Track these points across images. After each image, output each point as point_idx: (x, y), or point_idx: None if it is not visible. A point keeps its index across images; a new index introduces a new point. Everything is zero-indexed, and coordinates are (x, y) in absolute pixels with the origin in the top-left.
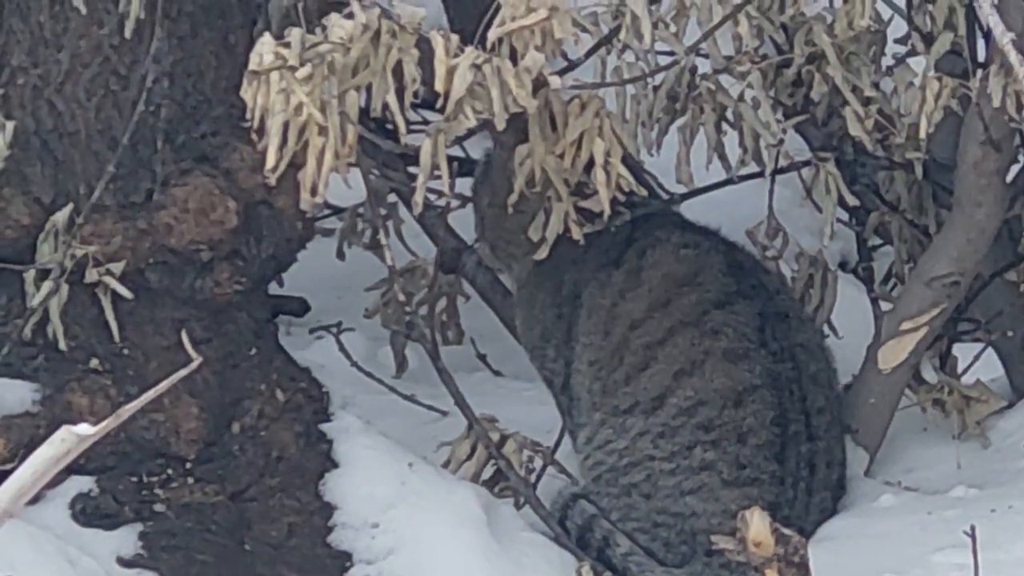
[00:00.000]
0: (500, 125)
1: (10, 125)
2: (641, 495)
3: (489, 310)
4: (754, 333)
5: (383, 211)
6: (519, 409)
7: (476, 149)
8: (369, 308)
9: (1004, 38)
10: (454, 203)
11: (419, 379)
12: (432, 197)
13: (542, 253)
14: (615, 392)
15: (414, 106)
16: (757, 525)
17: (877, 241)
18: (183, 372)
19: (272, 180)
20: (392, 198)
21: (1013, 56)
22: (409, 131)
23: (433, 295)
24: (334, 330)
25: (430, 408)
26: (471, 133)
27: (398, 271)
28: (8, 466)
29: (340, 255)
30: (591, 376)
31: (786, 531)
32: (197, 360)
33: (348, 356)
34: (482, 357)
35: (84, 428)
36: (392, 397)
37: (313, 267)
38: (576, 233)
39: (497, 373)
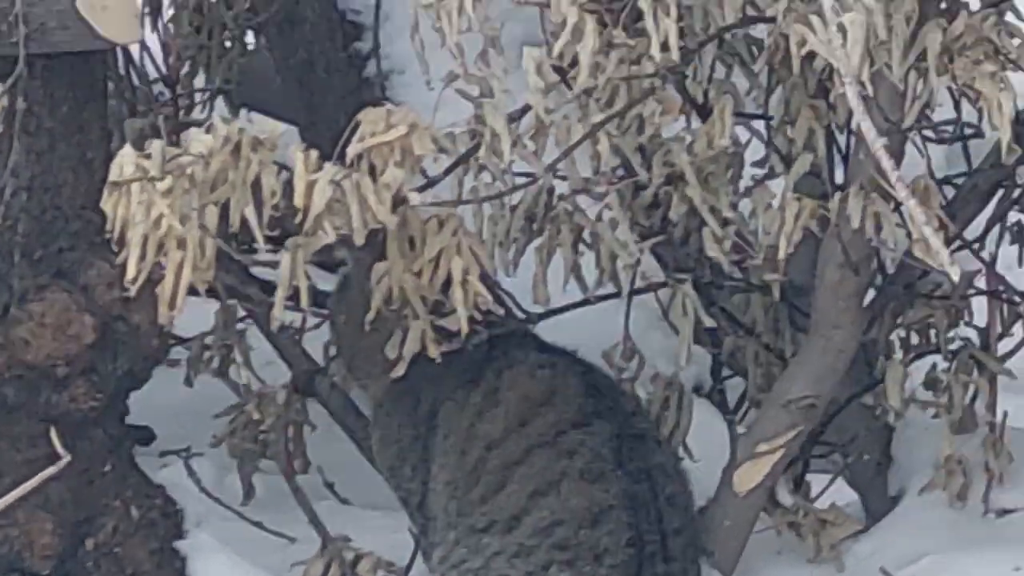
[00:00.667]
0: (359, 241)
1: None
2: None
3: (336, 439)
4: (611, 454)
5: (232, 337)
6: (369, 536)
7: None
8: (217, 435)
9: (877, 143)
10: (309, 323)
11: (266, 506)
12: (287, 318)
13: (399, 371)
14: (471, 512)
15: (272, 222)
16: None
17: (728, 372)
18: (52, 470)
19: (133, 291)
20: (241, 326)
21: (886, 162)
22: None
23: (284, 420)
24: (183, 455)
25: (278, 535)
26: (329, 248)
27: (251, 394)
28: None
29: (188, 382)
30: (447, 495)
31: None
32: (67, 457)
33: (197, 481)
34: (330, 486)
35: None
36: (240, 523)
37: (158, 397)
38: (433, 351)
39: (345, 501)
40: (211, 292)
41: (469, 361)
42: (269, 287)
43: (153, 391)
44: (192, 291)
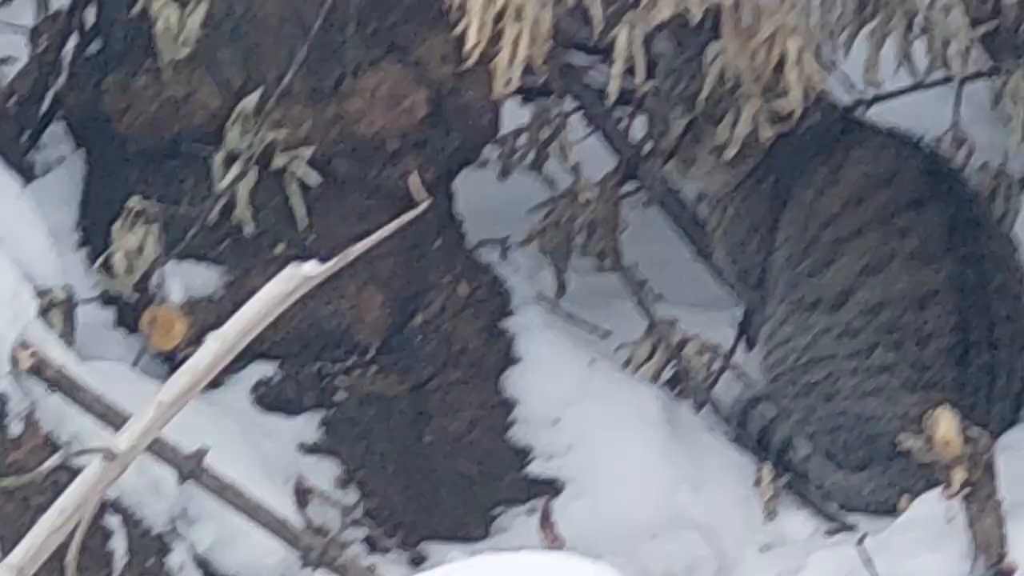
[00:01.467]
0: (695, 18)
1: (202, 7)
2: (821, 395)
3: (648, 238)
4: (943, 237)
5: (553, 127)
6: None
7: None
8: (530, 230)
9: None
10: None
11: (578, 303)
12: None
13: (730, 153)
14: (802, 286)
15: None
16: (945, 424)
17: None
18: (413, 213)
19: (470, 62)
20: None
21: None
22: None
23: (598, 214)
24: (502, 244)
25: (594, 327)
26: (663, 26)
27: (574, 185)
28: (191, 349)
29: (505, 173)
30: (783, 269)
31: (974, 431)
32: (427, 200)
33: (515, 269)
34: (643, 282)
35: (311, 267)
36: (553, 316)
37: (469, 195)
38: (766, 133)
39: (659, 297)
40: (528, 90)
41: (823, 137)
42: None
43: (463, 189)
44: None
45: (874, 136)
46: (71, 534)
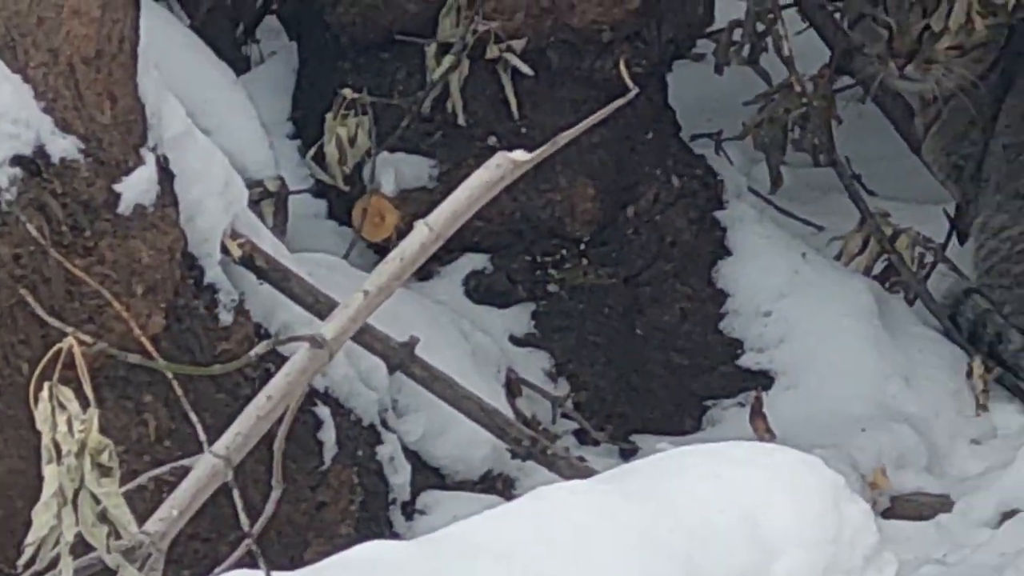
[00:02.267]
0: None
1: None
2: None
3: (862, 134)
4: None
5: (762, 26)
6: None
7: None
8: (745, 124)
9: None
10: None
11: (792, 197)
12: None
13: (945, 43)
14: (1018, 174)
15: None
16: None
17: None
18: (621, 101)
19: None
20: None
21: None
22: None
23: (813, 109)
24: (716, 137)
25: (807, 223)
26: None
27: (789, 79)
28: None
29: (718, 70)
30: (1002, 158)
31: None
32: (634, 90)
33: (729, 161)
34: (857, 177)
35: (520, 154)
36: (770, 210)
37: (684, 90)
38: (979, 24)
39: (871, 193)
40: None
41: None
42: None
43: (679, 84)
44: None
45: None
46: (278, 422)
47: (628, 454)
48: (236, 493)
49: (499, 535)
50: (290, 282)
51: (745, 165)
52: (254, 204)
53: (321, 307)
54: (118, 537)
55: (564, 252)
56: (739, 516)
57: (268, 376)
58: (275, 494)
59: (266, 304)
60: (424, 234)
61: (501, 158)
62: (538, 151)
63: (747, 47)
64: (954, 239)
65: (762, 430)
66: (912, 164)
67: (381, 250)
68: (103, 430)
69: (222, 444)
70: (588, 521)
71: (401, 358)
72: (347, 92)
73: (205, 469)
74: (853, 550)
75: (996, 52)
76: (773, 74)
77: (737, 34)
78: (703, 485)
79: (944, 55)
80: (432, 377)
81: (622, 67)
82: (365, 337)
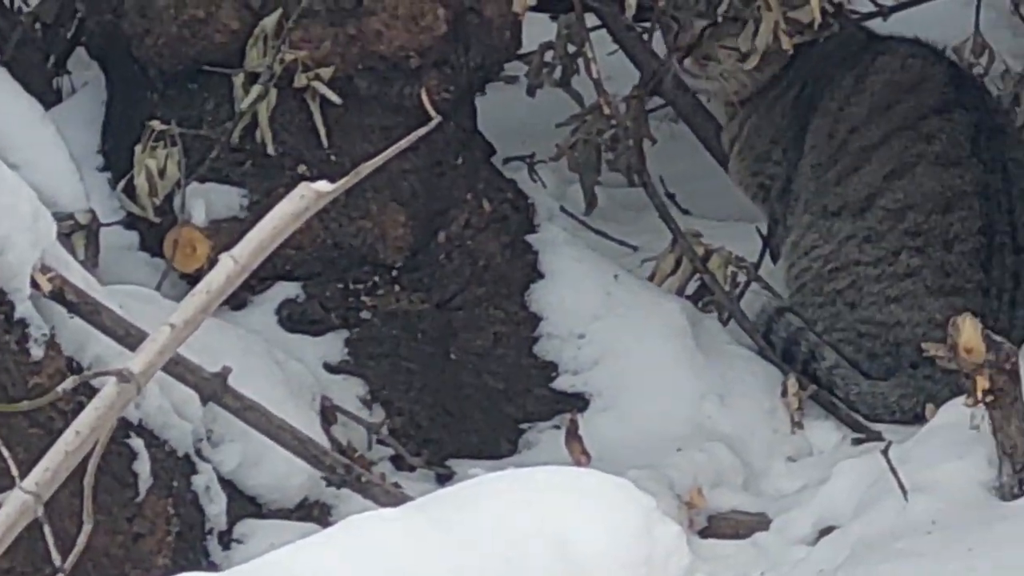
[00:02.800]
0: None
1: None
2: (846, 303)
3: (675, 153)
4: (968, 142)
5: (571, 49)
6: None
7: None
8: (559, 146)
9: None
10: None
11: (607, 218)
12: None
13: (752, 62)
14: (827, 192)
15: None
16: (968, 331)
17: None
18: (424, 129)
19: None
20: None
21: None
22: None
23: (626, 130)
24: (528, 160)
25: (621, 243)
26: None
27: (599, 101)
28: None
29: (530, 92)
30: (810, 177)
31: (997, 338)
32: (437, 119)
33: (543, 186)
34: (671, 196)
35: (323, 185)
36: (584, 231)
37: (498, 112)
38: (785, 44)
39: (686, 212)
40: (550, 4)
41: (849, 46)
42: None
43: (493, 107)
44: (535, 5)
45: (898, 45)
46: (88, 456)
47: (444, 479)
48: (47, 528)
49: (311, 564)
50: (101, 315)
51: (559, 187)
52: (65, 237)
53: (132, 340)
54: None
55: (376, 279)
56: (550, 541)
57: (80, 409)
58: (86, 528)
59: (78, 338)
60: (230, 266)
61: (305, 189)
62: (341, 181)
63: (558, 69)
64: (767, 257)
65: (578, 452)
66: (725, 183)
67: (193, 280)
68: None
69: (32, 480)
70: (398, 549)
71: (214, 389)
72: (156, 124)
73: (15, 505)
74: (666, 571)
75: (778, 65)
76: (586, 96)
77: (549, 56)
78: (514, 511)
79: (722, 55)
80: (245, 407)
81: (424, 95)
82: (177, 368)
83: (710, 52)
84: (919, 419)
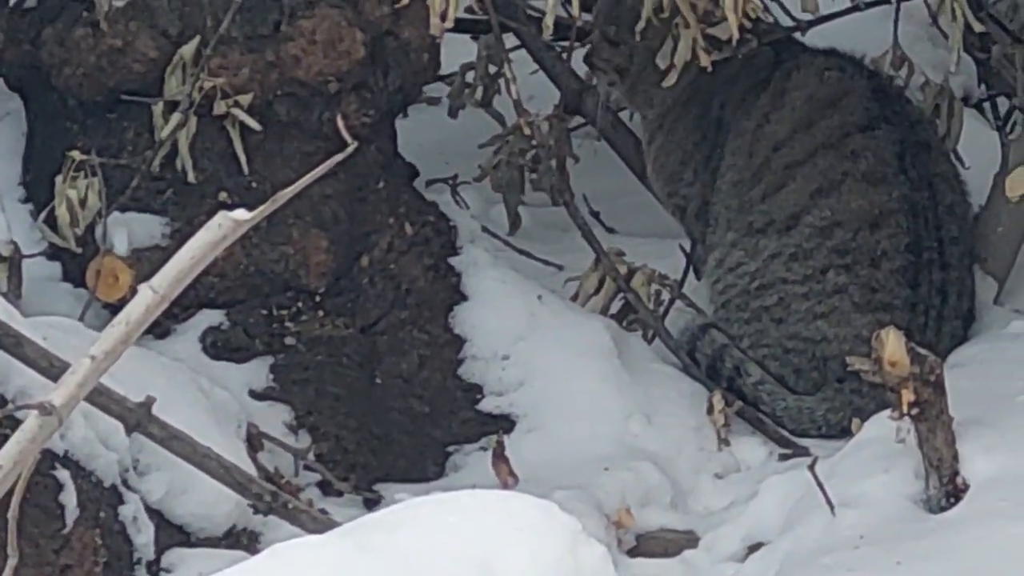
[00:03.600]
0: None
1: None
2: (772, 320)
3: (599, 171)
4: (894, 159)
5: (493, 68)
6: (637, 262)
7: None
8: (483, 166)
9: None
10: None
11: (532, 238)
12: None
13: (671, 80)
14: (751, 210)
15: None
16: (892, 344)
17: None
18: (341, 156)
19: (404, 1)
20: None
21: None
22: None
23: (549, 149)
24: (450, 182)
25: (546, 263)
26: None
27: (521, 121)
28: None
29: (451, 114)
30: (731, 195)
31: (921, 351)
32: (353, 144)
33: (465, 207)
34: (595, 215)
35: (241, 213)
36: (508, 252)
37: (421, 134)
38: (704, 60)
39: (611, 230)
40: (471, 25)
41: (758, 65)
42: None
43: (416, 128)
44: (454, 27)
45: (813, 58)
46: (12, 490)
47: (372, 504)
48: None
49: None
50: (23, 347)
51: (483, 207)
52: None
53: (56, 371)
54: None
55: (300, 304)
56: (475, 565)
57: (3, 443)
58: (11, 562)
59: (1, 370)
60: (149, 297)
61: (222, 218)
62: (259, 209)
63: (480, 90)
64: (691, 274)
65: (505, 474)
66: (649, 200)
67: (117, 310)
68: None
69: None
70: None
71: (138, 418)
72: (76, 154)
73: None
74: None
75: (679, 86)
76: (508, 116)
77: (470, 77)
78: (440, 535)
79: (598, 74)
80: (170, 436)
81: (339, 121)
82: (101, 399)
83: (596, 58)
84: (846, 433)
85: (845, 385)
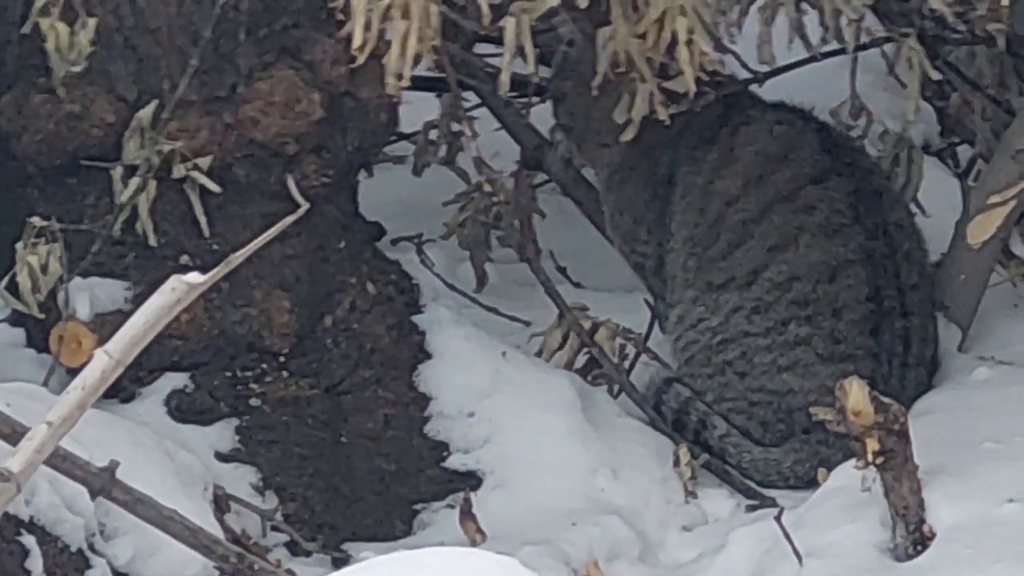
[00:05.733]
0: (583, 3)
1: (91, 22)
2: (736, 373)
3: (565, 226)
4: (848, 210)
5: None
6: (603, 316)
7: None
8: (448, 223)
9: None
10: (534, 99)
11: (499, 294)
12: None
13: (630, 134)
14: (710, 268)
15: None
16: (856, 394)
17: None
18: (292, 217)
19: (360, 60)
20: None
21: None
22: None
23: (514, 205)
24: (416, 240)
25: (513, 319)
26: (552, 13)
27: (482, 179)
28: None
29: (416, 172)
30: (686, 253)
31: (885, 400)
32: (305, 206)
33: (430, 266)
34: (562, 270)
35: (194, 277)
36: (476, 310)
37: (386, 193)
38: (662, 114)
39: (578, 285)
40: (433, 84)
41: (704, 121)
42: (492, 71)
43: (381, 187)
44: (415, 85)
45: (762, 113)
46: None
47: (340, 563)
48: None
49: None
50: None
51: (450, 265)
52: None
53: (18, 437)
54: None
55: (264, 366)
56: None
57: None
58: None
59: None
60: (104, 361)
61: (176, 281)
62: (212, 272)
63: (443, 147)
64: (656, 328)
65: (472, 531)
66: (615, 254)
67: None
68: None
69: None
70: None
71: (102, 483)
72: (36, 220)
73: None
74: None
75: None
76: (473, 173)
77: (433, 135)
78: None
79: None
80: (135, 500)
81: (290, 183)
82: (64, 464)
83: (586, 128)
84: (813, 484)
85: (811, 436)
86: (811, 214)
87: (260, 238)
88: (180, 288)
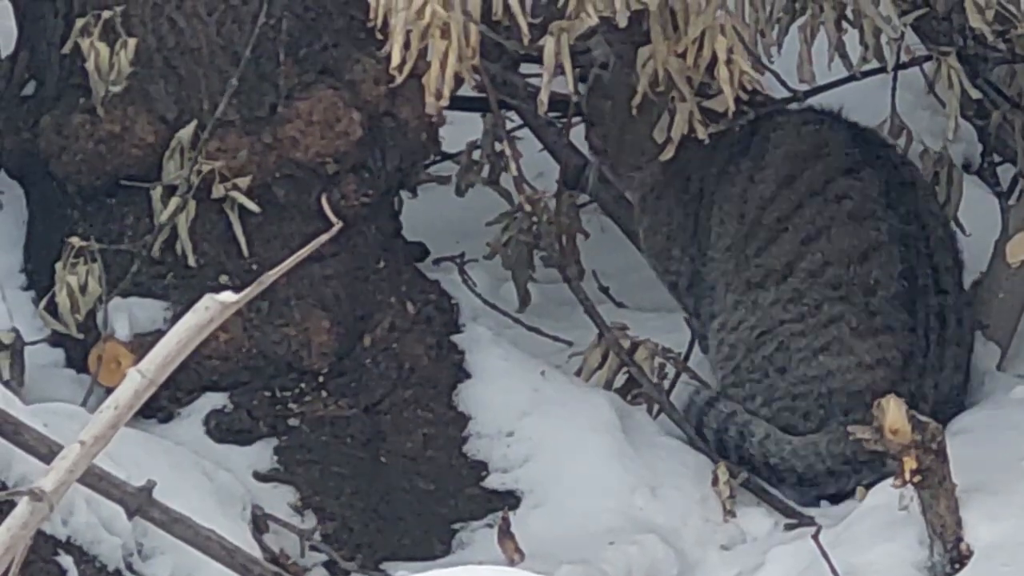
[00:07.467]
0: (622, 22)
1: (132, 43)
2: (776, 370)
3: (608, 247)
4: (881, 197)
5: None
6: (646, 336)
7: None
8: (491, 243)
9: None
10: (575, 119)
11: (542, 314)
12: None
13: (668, 153)
14: (748, 267)
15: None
16: (893, 412)
17: (997, 159)
18: (326, 236)
19: (399, 79)
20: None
21: None
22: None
23: (557, 225)
24: (458, 261)
25: (555, 339)
26: (592, 33)
27: (523, 199)
28: None
29: (459, 192)
30: (725, 260)
31: (922, 418)
32: (338, 224)
33: (472, 286)
34: (604, 290)
35: (227, 296)
36: (517, 330)
37: (429, 212)
38: (701, 133)
39: (620, 304)
40: (476, 104)
41: (735, 136)
42: (533, 91)
43: (424, 207)
44: (458, 105)
45: (789, 117)
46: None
47: None
48: None
49: None
50: (23, 435)
51: (493, 285)
52: None
53: (55, 457)
54: None
55: (303, 385)
56: None
57: None
58: None
59: (3, 457)
60: (137, 381)
61: (209, 300)
62: (245, 291)
63: (486, 167)
64: (696, 347)
65: (511, 550)
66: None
67: None
68: None
69: None
70: None
71: (139, 503)
72: (75, 240)
73: None
74: None
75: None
76: (516, 193)
77: (477, 154)
78: None
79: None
80: (172, 520)
81: (323, 202)
82: (101, 484)
83: (621, 148)
84: (848, 464)
85: (849, 417)
86: (841, 203)
87: (293, 257)
88: (213, 307)
